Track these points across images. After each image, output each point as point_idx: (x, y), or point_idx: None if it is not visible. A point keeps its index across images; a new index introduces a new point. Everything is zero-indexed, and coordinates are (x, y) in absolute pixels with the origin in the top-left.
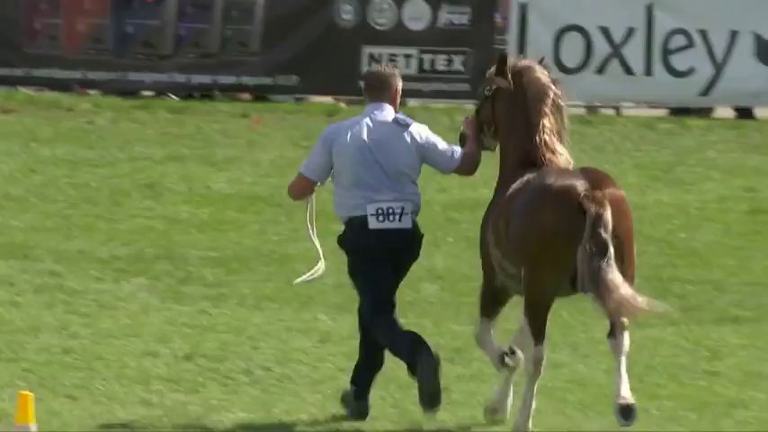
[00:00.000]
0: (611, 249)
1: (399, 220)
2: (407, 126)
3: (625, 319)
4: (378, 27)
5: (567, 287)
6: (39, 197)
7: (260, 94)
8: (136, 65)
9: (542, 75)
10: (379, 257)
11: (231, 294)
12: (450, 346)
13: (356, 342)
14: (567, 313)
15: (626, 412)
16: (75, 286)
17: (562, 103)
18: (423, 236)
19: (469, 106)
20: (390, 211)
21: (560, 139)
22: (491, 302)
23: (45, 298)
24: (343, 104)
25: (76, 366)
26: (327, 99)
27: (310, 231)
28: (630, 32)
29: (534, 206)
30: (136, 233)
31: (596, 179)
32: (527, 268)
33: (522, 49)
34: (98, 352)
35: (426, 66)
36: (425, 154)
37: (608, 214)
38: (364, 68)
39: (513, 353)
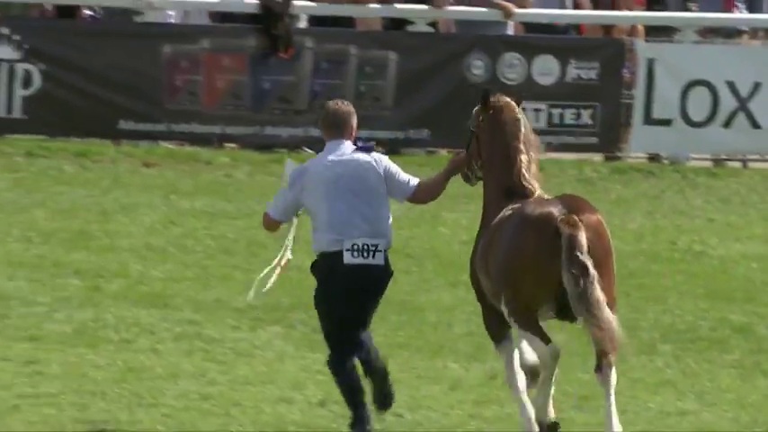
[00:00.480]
0: (593, 270)
1: (373, 257)
2: (370, 154)
3: (611, 355)
4: (508, 82)
5: (552, 308)
6: (178, 248)
7: (392, 148)
8: (272, 120)
9: (518, 112)
10: (349, 291)
11: None
12: (579, 393)
13: (487, 390)
14: (693, 361)
15: None
16: (212, 334)
17: (532, 138)
18: (392, 273)
19: (598, 158)
20: (365, 247)
21: (534, 172)
22: (498, 327)
23: (184, 346)
24: None
25: (214, 413)
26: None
27: (287, 249)
28: (757, 87)
29: (515, 234)
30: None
31: (573, 205)
32: (511, 291)
33: (648, 103)
34: (235, 398)
35: (555, 120)
36: (386, 181)
37: (582, 236)
38: None
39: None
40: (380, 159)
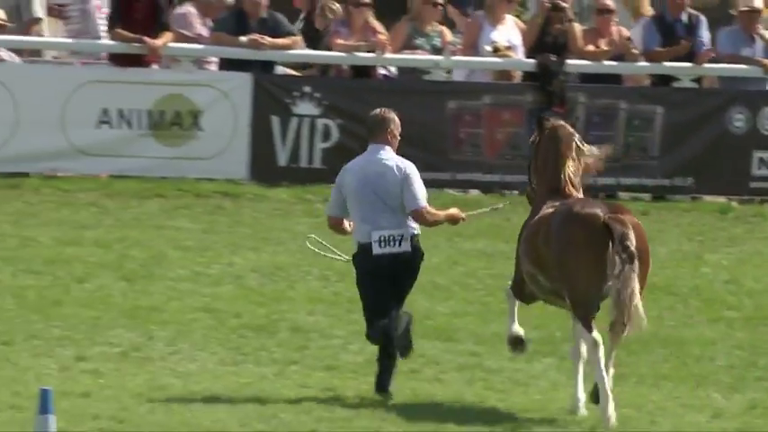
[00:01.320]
0: (636, 261)
1: (399, 245)
2: (394, 168)
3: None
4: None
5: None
6: (461, 286)
7: (658, 194)
8: None
9: (570, 130)
10: (380, 275)
11: (631, 373)
12: None
13: (748, 419)
14: None
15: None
16: (492, 365)
17: (583, 149)
18: (422, 255)
19: None
20: (391, 238)
21: (579, 179)
22: (521, 291)
23: (466, 375)
24: (734, 203)
25: None
26: (720, 198)
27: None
28: None
29: (566, 231)
30: (545, 317)
31: (614, 208)
32: (570, 281)
33: None
34: (514, 425)
35: None
36: (401, 186)
37: (631, 233)
38: (755, 171)
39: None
40: (403, 167)
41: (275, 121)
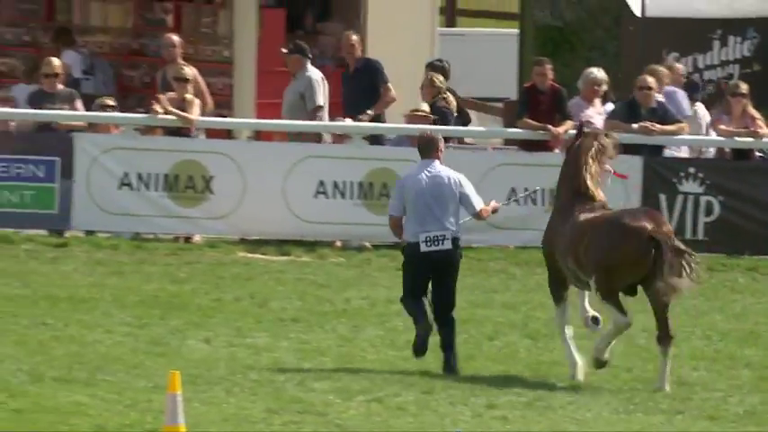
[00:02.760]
0: (686, 266)
1: (441, 244)
2: (453, 180)
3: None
4: None
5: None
6: None
7: None
8: None
9: (601, 137)
10: (424, 268)
11: None
12: None
13: None
14: None
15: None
16: None
17: (607, 147)
18: (461, 254)
19: None
20: (435, 238)
21: (599, 180)
22: (559, 289)
23: None
24: None
25: None
26: None
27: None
28: None
29: (615, 239)
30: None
31: (655, 218)
32: (606, 278)
33: None
34: None
35: None
36: (460, 198)
37: (676, 241)
38: None
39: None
40: (457, 177)
41: (663, 198)
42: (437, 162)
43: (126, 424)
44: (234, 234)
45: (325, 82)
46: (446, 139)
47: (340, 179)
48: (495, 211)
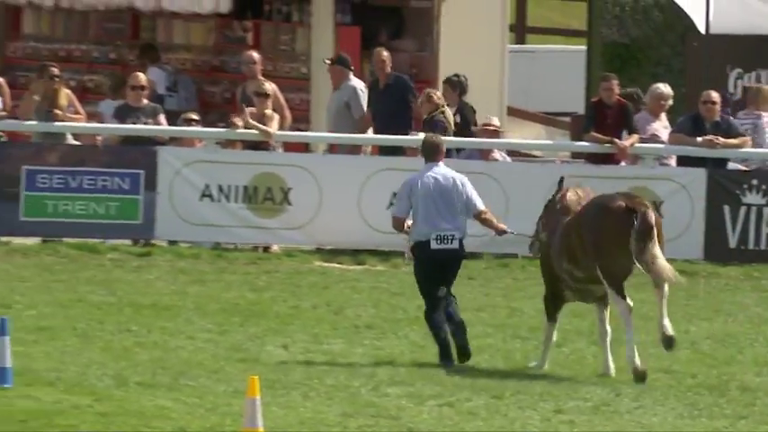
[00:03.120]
0: (655, 231)
1: (450, 243)
2: (457, 180)
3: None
4: None
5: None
6: None
7: None
8: None
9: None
10: (435, 269)
11: None
12: None
13: None
14: None
15: (668, 342)
16: None
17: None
18: (465, 254)
19: None
20: (445, 237)
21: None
22: (553, 307)
23: None
24: None
25: None
26: None
27: (407, 245)
28: None
29: (599, 219)
30: None
31: (629, 196)
32: (605, 259)
33: None
34: None
35: None
36: (464, 193)
37: (650, 211)
38: None
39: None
40: (461, 179)
41: (726, 209)
42: (442, 164)
43: (207, 427)
44: (311, 244)
45: (366, 92)
46: (448, 151)
47: None
48: (500, 231)
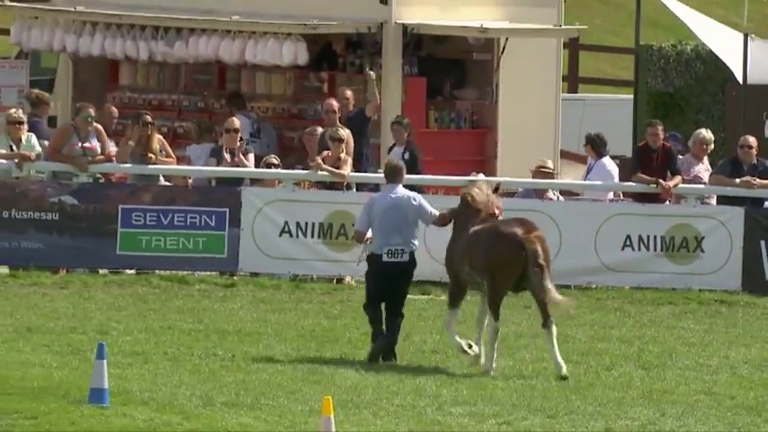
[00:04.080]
0: (546, 268)
1: (400, 257)
2: (411, 197)
3: (552, 312)
4: None
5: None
6: None
7: None
8: None
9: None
10: (384, 279)
11: None
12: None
13: None
14: None
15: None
16: None
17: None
18: (415, 264)
19: None
20: (396, 251)
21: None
22: (455, 297)
23: None
24: None
25: None
26: None
27: (361, 254)
28: None
29: (492, 244)
30: None
31: (525, 226)
32: (490, 281)
33: None
34: None
35: None
36: (418, 213)
37: (539, 248)
38: None
39: (470, 347)
40: (418, 198)
41: (762, 244)
42: (400, 186)
43: None
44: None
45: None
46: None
47: (644, 233)
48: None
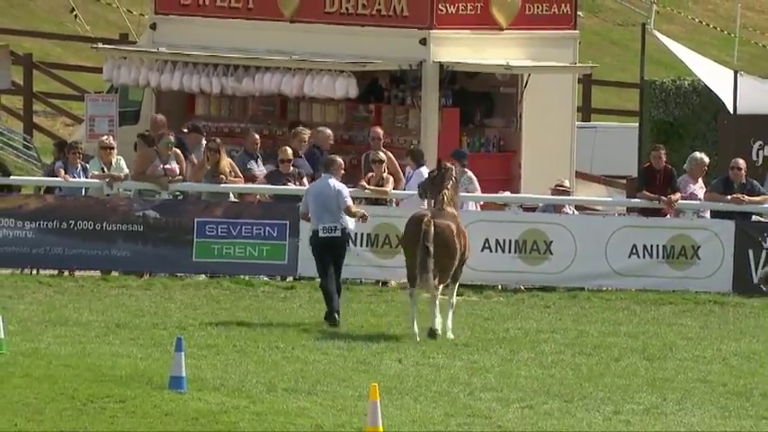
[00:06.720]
0: (429, 252)
1: (333, 232)
2: (334, 186)
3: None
4: None
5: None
6: None
7: None
8: None
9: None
10: (324, 251)
11: None
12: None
13: None
14: None
15: (431, 334)
16: None
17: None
18: (348, 239)
19: None
20: (329, 228)
21: (454, 202)
22: (413, 277)
23: None
24: None
25: None
26: None
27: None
28: None
29: (407, 224)
30: None
31: (442, 217)
32: (404, 253)
33: None
34: None
35: None
36: (337, 200)
37: (431, 231)
38: None
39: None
40: (339, 186)
41: (751, 252)
42: (333, 178)
43: (338, 424)
44: (569, 284)
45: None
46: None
47: (501, 237)
48: (362, 217)
